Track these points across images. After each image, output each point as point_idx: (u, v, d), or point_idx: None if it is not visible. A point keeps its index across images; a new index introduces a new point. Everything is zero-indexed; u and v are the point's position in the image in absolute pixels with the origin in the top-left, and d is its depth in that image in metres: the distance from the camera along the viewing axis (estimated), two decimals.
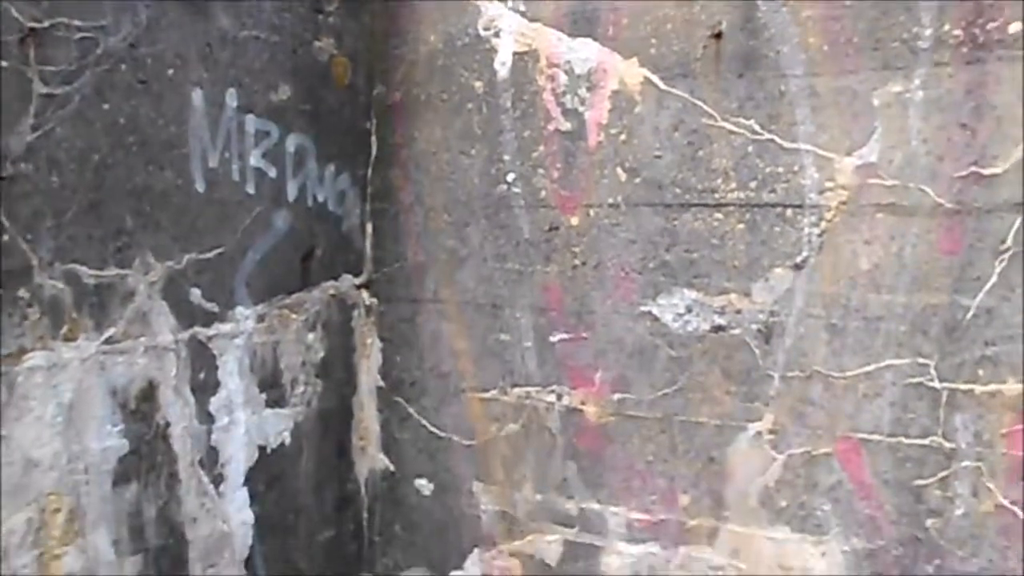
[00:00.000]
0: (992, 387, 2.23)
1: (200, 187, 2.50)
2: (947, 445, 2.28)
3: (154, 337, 2.42)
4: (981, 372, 2.23)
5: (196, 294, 2.52)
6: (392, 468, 3.06)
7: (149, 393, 2.42)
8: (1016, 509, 2.24)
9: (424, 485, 3.00)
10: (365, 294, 3.03)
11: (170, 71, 2.39)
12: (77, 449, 2.27)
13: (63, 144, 2.15)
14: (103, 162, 2.24)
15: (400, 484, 3.05)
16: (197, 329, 2.54)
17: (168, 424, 2.48)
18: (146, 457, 2.43)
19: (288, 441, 2.84)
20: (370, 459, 3.08)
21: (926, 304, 2.28)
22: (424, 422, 2.97)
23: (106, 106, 2.24)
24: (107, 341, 2.30)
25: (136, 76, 2.30)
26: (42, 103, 2.09)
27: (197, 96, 2.46)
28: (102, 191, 2.25)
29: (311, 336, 2.88)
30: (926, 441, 2.31)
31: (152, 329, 2.41)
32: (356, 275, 3.02)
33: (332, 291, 2.95)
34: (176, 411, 2.50)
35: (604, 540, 2.72)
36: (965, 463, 2.27)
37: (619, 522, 2.69)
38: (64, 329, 2.19)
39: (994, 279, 2.21)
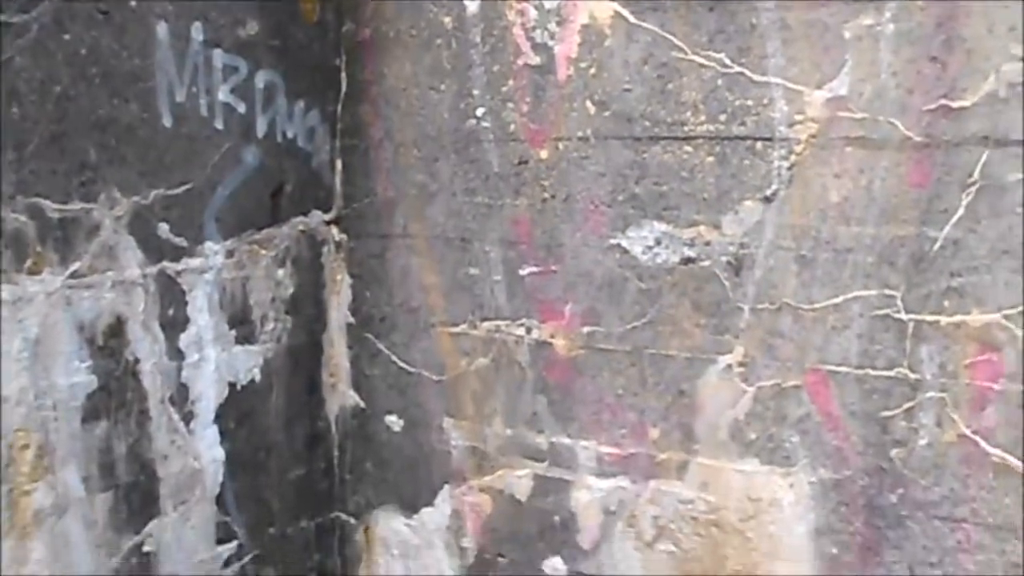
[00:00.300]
0: (957, 318, 2.24)
1: (167, 121, 2.47)
2: (912, 376, 2.30)
3: (121, 272, 2.40)
4: (947, 303, 2.25)
5: (164, 229, 2.50)
6: (362, 405, 3.06)
7: (117, 329, 2.40)
8: (978, 439, 2.26)
9: (394, 421, 3.00)
10: (335, 230, 3.01)
11: (132, 2, 2.35)
12: (44, 385, 2.25)
13: (23, 74, 2.12)
14: (65, 94, 2.21)
15: (370, 421, 3.05)
16: (165, 264, 2.52)
17: (137, 360, 2.47)
18: (115, 394, 2.42)
19: (258, 378, 2.83)
20: (340, 396, 3.08)
21: (894, 236, 2.28)
22: (394, 358, 2.97)
23: (66, 36, 2.20)
24: (73, 275, 2.28)
25: (97, 6, 2.26)
26: None
27: (162, 29, 2.42)
28: (64, 123, 2.22)
29: (281, 272, 2.87)
30: (892, 372, 2.32)
31: (119, 264, 2.39)
32: (326, 211, 2.99)
33: (302, 227, 2.92)
34: (145, 347, 2.48)
35: (574, 474, 2.74)
36: (930, 394, 2.29)
37: (589, 456, 2.70)
38: (28, 263, 2.17)
39: (961, 211, 2.22)
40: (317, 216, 2.97)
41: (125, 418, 2.46)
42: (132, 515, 2.51)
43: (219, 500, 2.76)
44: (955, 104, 2.20)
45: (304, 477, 3.04)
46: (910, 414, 2.32)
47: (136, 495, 2.52)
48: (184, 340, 2.60)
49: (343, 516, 3.17)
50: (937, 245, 2.24)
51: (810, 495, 2.44)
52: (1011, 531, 2.25)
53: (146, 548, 2.56)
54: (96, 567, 2.43)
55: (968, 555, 2.30)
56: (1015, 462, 2.22)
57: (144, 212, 2.44)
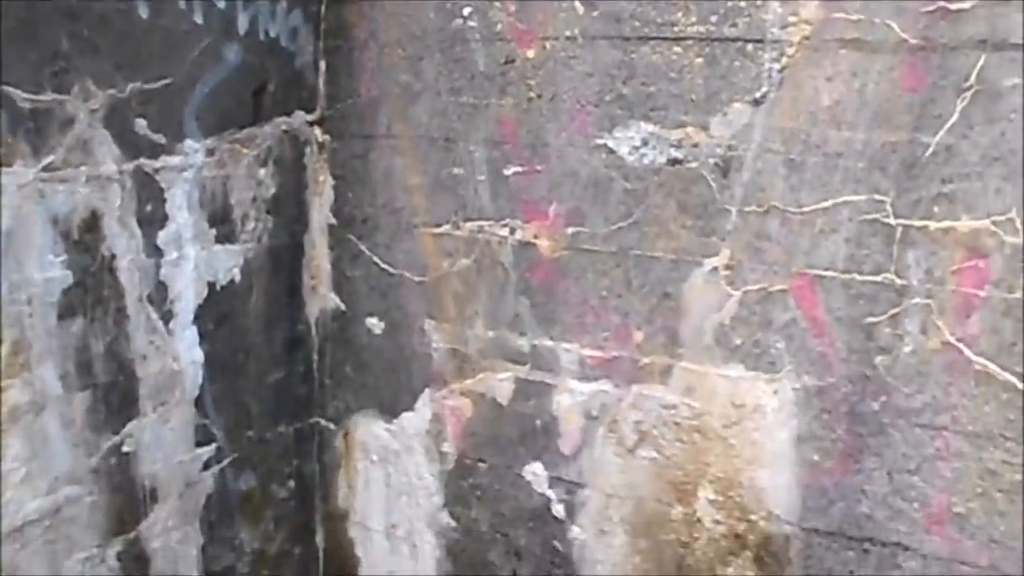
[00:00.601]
0: (946, 224, 2.21)
1: (143, 13, 2.41)
2: (899, 282, 2.28)
3: (96, 167, 2.35)
4: (937, 209, 2.22)
5: (141, 125, 2.45)
6: (343, 307, 3.03)
7: (92, 224, 2.37)
8: (962, 346, 2.24)
9: (375, 324, 2.98)
10: (318, 131, 2.96)
11: None
12: (18, 279, 2.22)
13: None
14: None
15: (351, 323, 3.03)
16: (143, 161, 2.47)
17: (114, 256, 2.43)
18: (91, 290, 2.39)
19: (238, 278, 2.81)
20: (321, 298, 3.06)
21: (886, 141, 2.24)
22: (376, 259, 2.93)
23: None
24: (46, 168, 2.23)
25: None
26: None
27: None
28: (34, 10, 2.16)
29: (262, 172, 2.82)
30: (879, 278, 2.30)
31: (94, 158, 2.35)
32: (309, 112, 2.94)
33: (284, 127, 2.88)
34: (122, 243, 2.45)
35: (556, 378, 2.72)
36: (916, 300, 2.27)
37: (571, 359, 2.69)
38: None
39: (955, 117, 2.17)
40: (300, 116, 2.92)
41: (102, 316, 2.43)
42: (111, 415, 2.50)
43: (198, 402, 2.75)
44: (953, 6, 2.15)
45: (283, 381, 3.03)
46: (895, 320, 2.30)
47: (115, 395, 2.50)
48: (162, 238, 2.56)
49: (322, 422, 3.16)
50: (929, 151, 2.20)
51: (794, 402, 2.43)
52: (989, 439, 2.25)
53: (125, 448, 2.55)
54: (74, 466, 2.43)
55: (946, 463, 2.30)
56: (997, 370, 2.21)
57: (120, 106, 2.39)
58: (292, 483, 3.13)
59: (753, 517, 2.53)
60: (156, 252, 2.55)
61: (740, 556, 2.57)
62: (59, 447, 2.38)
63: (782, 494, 2.49)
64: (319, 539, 3.27)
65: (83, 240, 2.35)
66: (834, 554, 2.47)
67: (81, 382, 2.41)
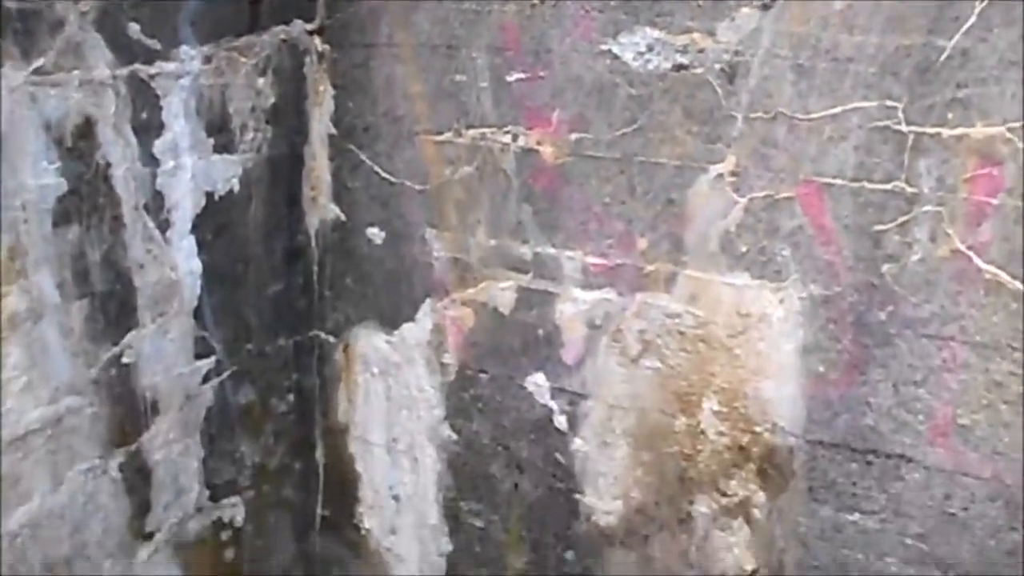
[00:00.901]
0: (960, 131, 2.16)
1: None
2: (909, 190, 2.23)
3: (89, 71, 2.31)
4: (950, 115, 2.16)
5: (135, 29, 2.40)
6: (343, 218, 2.99)
7: (86, 130, 2.33)
8: (972, 255, 2.21)
9: (376, 234, 2.94)
10: (317, 40, 2.90)
11: None
12: (12, 185, 2.19)
13: None
14: None
15: (351, 234, 2.99)
16: (137, 67, 2.42)
17: (109, 164, 2.40)
18: (87, 198, 2.36)
19: (237, 188, 2.77)
20: (321, 210, 3.02)
21: (899, 45, 2.18)
22: (376, 168, 2.88)
23: None
24: (37, 72, 2.19)
25: None
26: None
27: None
28: None
29: (261, 81, 2.77)
30: (889, 186, 2.25)
31: (87, 63, 2.30)
32: (308, 20, 2.88)
33: (283, 36, 2.82)
34: (117, 151, 2.41)
35: (559, 286, 2.69)
36: (926, 208, 2.23)
37: (574, 267, 2.65)
38: None
39: (973, 19, 2.11)
40: (299, 25, 2.86)
41: (98, 224, 2.40)
42: (109, 325, 2.49)
43: (197, 314, 2.73)
44: None
45: (283, 293, 3.01)
46: (904, 228, 2.26)
47: (112, 304, 2.49)
48: (159, 146, 2.52)
49: (322, 335, 3.14)
50: (944, 55, 2.15)
51: (800, 311, 2.40)
52: (996, 349, 2.22)
53: (124, 359, 2.55)
54: (74, 375, 2.42)
55: (952, 374, 2.28)
56: (1007, 279, 2.18)
57: (112, 10, 2.33)
58: (292, 397, 3.13)
59: (757, 429, 2.52)
60: (152, 161, 2.51)
61: (744, 468, 2.56)
62: (58, 356, 2.37)
63: (787, 405, 2.47)
64: (319, 454, 3.27)
65: (77, 147, 2.31)
66: (838, 466, 2.46)
67: (79, 291, 2.39)
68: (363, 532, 3.27)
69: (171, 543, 2.79)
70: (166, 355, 2.66)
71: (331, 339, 3.13)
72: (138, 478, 2.65)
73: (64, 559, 2.49)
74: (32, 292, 2.28)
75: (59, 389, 2.38)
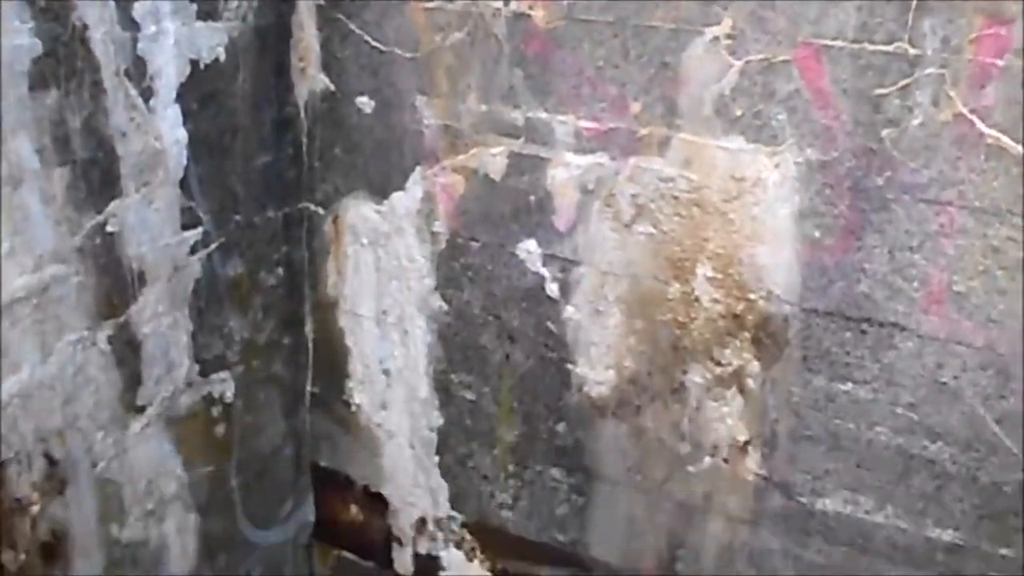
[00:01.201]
0: None
1: None
2: (912, 52, 2.17)
3: None
4: None
5: None
6: (332, 88, 2.92)
7: None
8: (974, 118, 2.16)
9: (365, 103, 2.87)
10: None
11: None
12: None
13: None
14: None
15: (341, 104, 2.92)
16: None
17: (86, 27, 2.31)
18: (64, 61, 2.28)
19: (223, 57, 2.69)
20: (310, 80, 2.94)
21: None
22: (366, 37, 2.80)
23: None
24: None
25: None
26: None
27: None
28: None
29: None
30: (891, 47, 2.19)
31: None
32: None
33: None
34: (94, 13, 2.32)
35: (551, 151, 2.63)
36: (929, 70, 2.17)
37: (567, 131, 2.59)
38: None
39: None
40: None
41: (77, 88, 2.33)
42: (92, 193, 2.43)
43: (183, 184, 2.67)
44: None
45: (271, 164, 2.95)
46: (905, 92, 2.21)
47: (95, 172, 2.43)
48: (139, 10, 2.43)
49: (311, 207, 3.09)
50: None
51: (796, 176, 2.36)
52: (995, 214, 2.20)
53: (109, 228, 2.50)
54: (58, 244, 2.38)
55: (949, 239, 2.26)
56: (1009, 143, 2.14)
57: None
58: (281, 270, 3.09)
59: (752, 296, 2.50)
60: (132, 25, 2.42)
61: (738, 337, 2.55)
62: (41, 224, 2.32)
63: (782, 272, 2.45)
64: (308, 329, 3.26)
65: (51, 7, 2.22)
66: (831, 335, 2.45)
67: (59, 157, 2.32)
68: (353, 408, 3.27)
69: (162, 417, 2.78)
70: (152, 225, 2.61)
71: (320, 210, 3.08)
72: (127, 351, 2.63)
73: (56, 430, 2.48)
74: (11, 158, 2.22)
75: (43, 257, 2.34)
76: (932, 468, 2.44)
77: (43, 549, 2.54)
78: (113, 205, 2.49)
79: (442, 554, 3.31)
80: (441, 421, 3.11)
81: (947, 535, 2.48)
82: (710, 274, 2.53)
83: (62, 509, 2.56)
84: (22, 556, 2.48)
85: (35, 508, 2.48)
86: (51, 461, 2.49)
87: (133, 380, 2.67)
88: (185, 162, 2.65)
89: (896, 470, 2.49)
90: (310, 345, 3.28)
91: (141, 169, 2.53)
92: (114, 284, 2.55)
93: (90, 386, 2.54)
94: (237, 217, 2.87)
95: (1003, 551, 2.43)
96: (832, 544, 2.63)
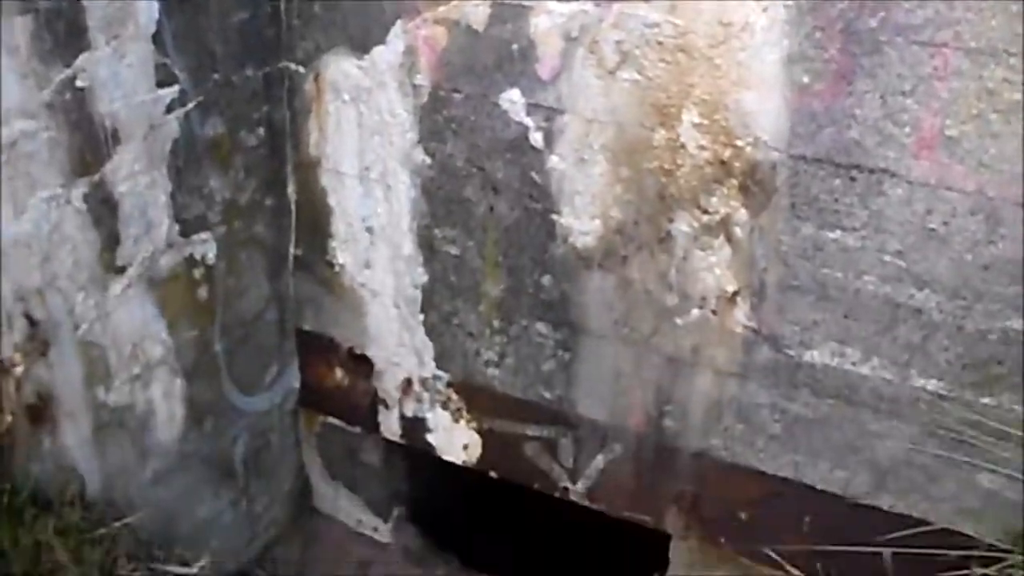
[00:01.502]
0: None
1: None
2: None
3: None
4: None
5: None
6: None
7: None
8: None
9: None
10: None
11: None
12: None
13: None
14: None
15: None
16: None
17: None
18: None
19: None
20: None
21: None
22: None
23: None
24: None
25: None
26: None
27: None
28: None
29: None
30: None
31: None
32: None
33: None
34: None
35: None
36: None
37: None
38: None
39: None
40: None
41: None
42: (58, 45, 2.36)
43: (156, 39, 2.59)
44: None
45: (248, 22, 2.86)
46: None
47: (60, 23, 2.35)
48: None
49: (292, 65, 3.02)
50: None
51: (785, 19, 2.29)
52: (992, 55, 2.14)
53: (79, 83, 2.43)
54: (25, 98, 2.32)
55: (943, 82, 2.20)
56: None
57: None
58: (262, 130, 3.03)
59: (739, 143, 2.45)
60: None
61: (725, 184, 2.51)
62: (6, 77, 2.25)
63: (770, 119, 2.40)
64: (291, 190, 3.20)
65: None
66: (820, 182, 2.41)
67: (20, 5, 2.24)
68: (336, 268, 3.24)
69: (144, 278, 2.75)
70: (124, 81, 2.54)
71: (301, 69, 3.00)
72: (104, 210, 2.58)
73: (35, 290, 2.45)
74: None
75: (10, 111, 2.27)
76: (919, 317, 2.43)
77: (30, 411, 2.54)
78: (82, 59, 2.41)
79: (428, 415, 3.32)
80: (425, 278, 3.08)
81: (931, 384, 2.49)
82: (696, 120, 2.47)
83: (46, 371, 2.55)
84: (8, 418, 2.48)
85: (19, 369, 2.47)
86: (32, 322, 2.47)
87: (111, 239, 2.63)
88: (157, 16, 2.56)
89: (883, 320, 2.48)
90: (292, 206, 3.23)
91: (109, 21, 2.45)
92: (87, 141, 2.49)
93: (67, 244, 2.50)
94: (215, 76, 2.79)
95: (985, 400, 2.44)
96: (819, 396, 2.63)
